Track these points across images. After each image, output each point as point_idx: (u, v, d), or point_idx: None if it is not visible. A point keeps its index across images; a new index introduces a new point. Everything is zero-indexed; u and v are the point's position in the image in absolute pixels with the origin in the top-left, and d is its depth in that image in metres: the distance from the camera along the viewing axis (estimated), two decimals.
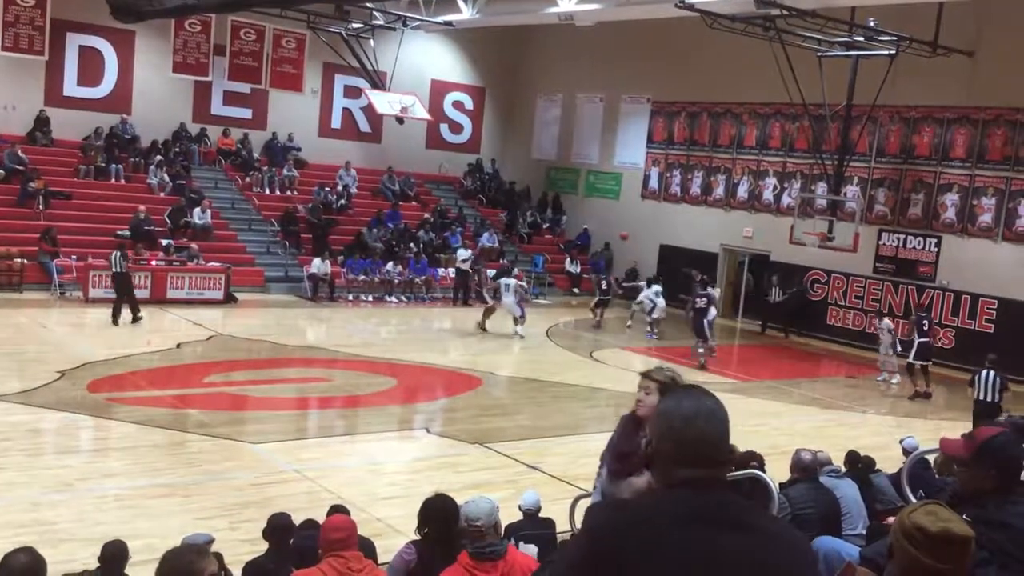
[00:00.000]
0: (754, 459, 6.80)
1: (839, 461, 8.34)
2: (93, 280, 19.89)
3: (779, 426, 14.30)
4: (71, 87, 24.68)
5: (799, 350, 22.50)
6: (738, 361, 20.99)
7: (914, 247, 22.16)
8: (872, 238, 22.56)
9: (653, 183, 28.23)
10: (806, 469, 7.17)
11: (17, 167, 22.49)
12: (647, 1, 19.63)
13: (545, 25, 25.36)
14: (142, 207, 22.61)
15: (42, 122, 24.07)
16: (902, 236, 22.39)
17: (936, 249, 21.77)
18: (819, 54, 20.83)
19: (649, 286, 22.84)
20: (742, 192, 25.93)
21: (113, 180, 23.98)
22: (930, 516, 2.74)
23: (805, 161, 24.25)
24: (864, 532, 6.88)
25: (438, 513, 5.09)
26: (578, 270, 27.33)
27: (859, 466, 8.48)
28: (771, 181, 25.31)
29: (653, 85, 27.65)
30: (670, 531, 2.18)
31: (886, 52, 20.07)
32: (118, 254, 18.33)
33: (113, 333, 17.23)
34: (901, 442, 9.54)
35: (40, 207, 21.81)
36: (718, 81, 25.30)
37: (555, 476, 10.69)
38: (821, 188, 23.57)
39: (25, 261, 20.20)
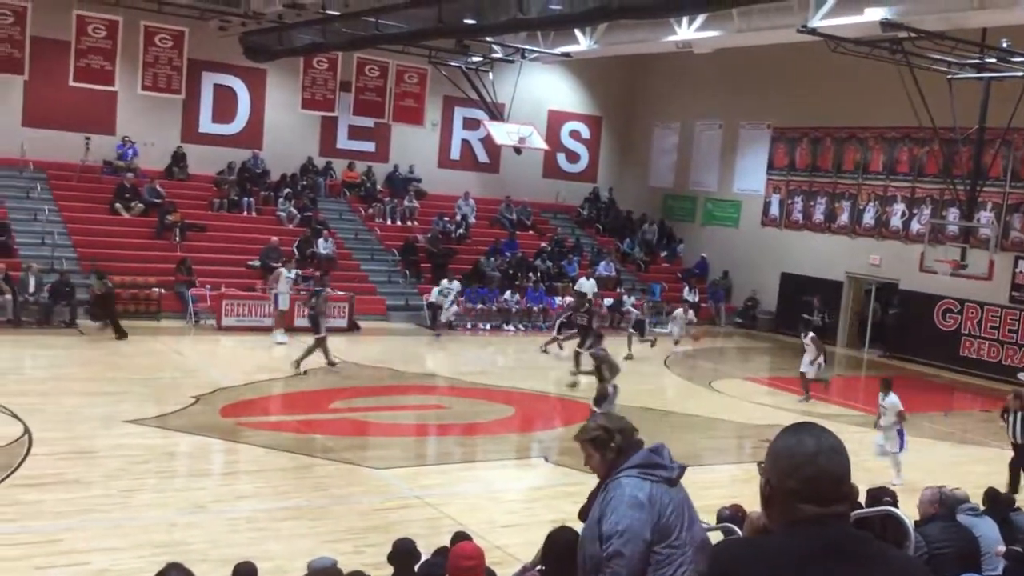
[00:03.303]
0: (887, 495, 6.58)
1: (975, 499, 7.99)
2: (226, 309, 20.75)
3: (911, 461, 13.76)
4: (206, 124, 25.92)
5: (930, 381, 21.63)
6: (866, 392, 20.30)
7: None
8: (1008, 266, 21.59)
9: (774, 210, 27.73)
10: (944, 505, 6.90)
11: (156, 201, 23.68)
12: (768, 27, 19.38)
13: (663, 54, 25.32)
14: (273, 238, 23.47)
15: (179, 158, 25.32)
16: None
17: None
18: (949, 76, 20.14)
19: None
20: (868, 218, 25.22)
21: (245, 212, 25.01)
22: None
23: (936, 186, 23.43)
24: (1002, 574, 6.57)
25: (563, 548, 5.04)
26: (696, 299, 27.01)
27: (999, 505, 8.10)
28: (899, 207, 24.54)
29: (773, 111, 27.24)
30: (798, 568, 2.17)
31: (1020, 74, 19.27)
32: (94, 276, 19.38)
33: (244, 360, 17.89)
34: None
35: (177, 239, 22.89)
36: (841, 105, 24.74)
37: None
38: (952, 214, 22.72)
39: (162, 291, 21.20)
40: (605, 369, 13.43)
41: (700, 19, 20.26)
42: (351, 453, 12.18)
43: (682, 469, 4.05)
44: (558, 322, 21.83)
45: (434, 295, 22.96)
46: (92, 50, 21.98)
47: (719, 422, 15.75)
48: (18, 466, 10.38)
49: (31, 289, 19.43)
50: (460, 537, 6.22)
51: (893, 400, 12.93)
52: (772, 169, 27.76)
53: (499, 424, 14.74)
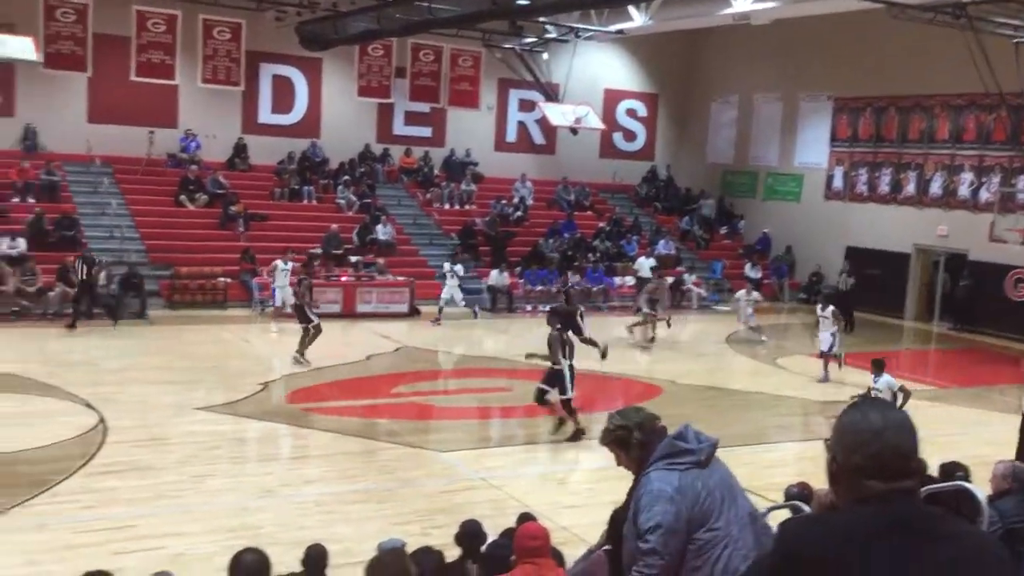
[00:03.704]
0: (959, 470, 6.44)
1: None
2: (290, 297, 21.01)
3: (983, 435, 13.47)
4: (265, 115, 26.27)
5: (1001, 353, 21.11)
6: (936, 366, 19.93)
7: None
8: None
9: (837, 183, 27.23)
10: (1017, 479, 6.73)
11: (219, 192, 24.10)
12: None
13: (719, 27, 24.96)
14: (333, 225, 23.74)
15: (240, 149, 25.71)
16: None
17: None
18: (1016, 40, 19.53)
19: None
20: (935, 188, 24.63)
21: (305, 201, 25.32)
22: None
23: (1004, 154, 22.78)
24: None
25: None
26: (759, 275, 26.68)
27: None
28: (967, 176, 23.92)
29: (834, 81, 26.70)
30: (869, 545, 2.15)
31: None
32: (80, 262, 19.07)
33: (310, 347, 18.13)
34: None
35: (240, 229, 23.27)
36: (904, 74, 24.16)
37: None
38: (1022, 182, 22.07)
39: (228, 280, 21.57)
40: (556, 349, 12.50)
41: None
42: (415, 436, 12.31)
43: (712, 446, 3.96)
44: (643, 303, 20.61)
45: (444, 278, 22.20)
46: (152, 45, 22.39)
47: (784, 399, 15.58)
48: (94, 454, 10.68)
49: (102, 282, 19.92)
50: (525, 518, 6.26)
51: (888, 381, 11.84)
52: (835, 141, 27.24)
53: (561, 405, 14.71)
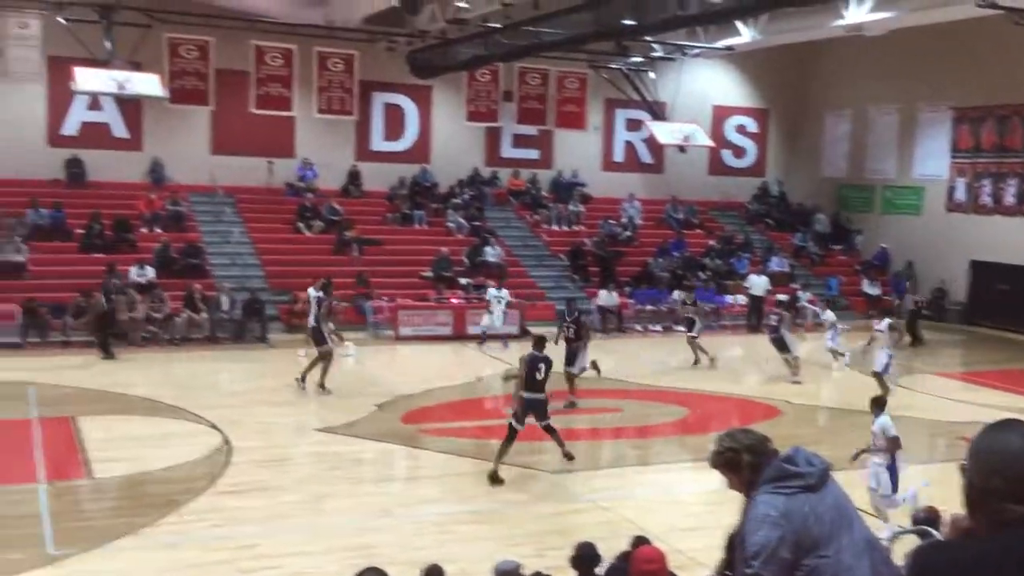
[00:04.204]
0: None
1: None
2: (403, 319, 21.45)
3: None
4: (377, 142, 26.93)
5: None
6: None
7: None
8: None
9: (960, 194, 26.24)
10: None
11: (334, 218, 24.77)
12: (943, 3, 18.39)
13: (831, 39, 24.42)
14: (444, 248, 24.11)
15: (353, 176, 26.39)
16: None
17: None
18: None
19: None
20: None
21: (416, 225, 25.79)
22: None
23: None
24: None
25: None
26: (878, 292, 25.85)
27: None
28: None
29: (954, 91, 25.78)
30: (1003, 574, 2.07)
31: None
32: (102, 297, 19.03)
33: (421, 368, 18.42)
34: None
35: (355, 253, 23.85)
36: None
37: (861, 511, 10.11)
38: None
39: (343, 304, 22.10)
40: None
41: (870, 0, 19.43)
42: (527, 457, 12.33)
43: (825, 469, 3.85)
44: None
45: (489, 299, 21.56)
46: (270, 78, 23.24)
47: (909, 420, 15.02)
48: (220, 474, 11.07)
49: (225, 307, 20.70)
50: (640, 541, 6.23)
51: (883, 423, 9.63)
52: (956, 152, 26.27)
53: (673, 426, 14.59)
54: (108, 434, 12.77)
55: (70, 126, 23.91)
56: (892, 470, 9.47)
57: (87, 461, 11.54)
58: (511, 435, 11.26)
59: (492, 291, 21.78)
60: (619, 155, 29.60)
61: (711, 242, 27.50)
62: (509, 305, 21.67)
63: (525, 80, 25.69)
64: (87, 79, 20.39)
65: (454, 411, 15.20)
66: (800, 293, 24.63)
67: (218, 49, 22.60)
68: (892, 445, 9.49)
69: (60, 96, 22.90)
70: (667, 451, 13.39)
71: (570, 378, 15.33)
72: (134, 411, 14.17)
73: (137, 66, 21.32)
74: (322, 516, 9.83)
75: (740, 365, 20.32)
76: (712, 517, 9.73)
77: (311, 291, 19.01)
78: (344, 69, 23.94)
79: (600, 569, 6.31)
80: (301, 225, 24.46)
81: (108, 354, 18.38)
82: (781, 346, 17.93)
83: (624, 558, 6.27)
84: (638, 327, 23.63)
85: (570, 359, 15.44)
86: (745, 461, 3.92)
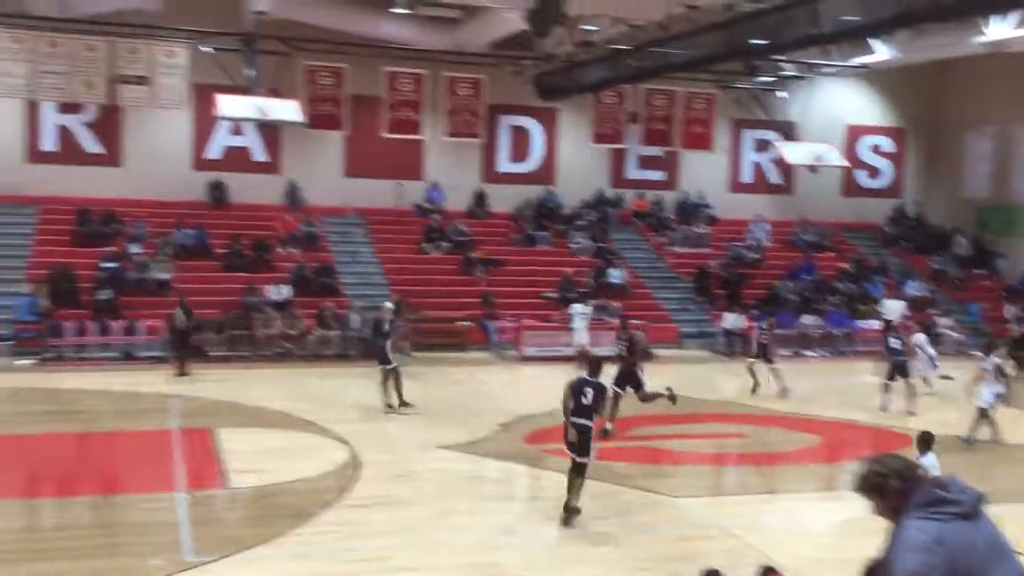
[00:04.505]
0: None
1: None
2: (527, 339, 21.59)
3: None
4: (504, 164, 27.29)
5: None
6: None
7: None
8: None
9: None
10: None
11: (460, 239, 25.17)
12: None
13: (972, 56, 23.48)
14: (568, 269, 24.18)
15: (479, 197, 26.78)
16: None
17: None
18: None
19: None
20: None
21: (541, 246, 25.95)
22: None
23: None
24: None
25: None
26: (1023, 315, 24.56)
27: None
28: None
29: None
30: None
31: None
32: (180, 310, 19.24)
33: (545, 389, 18.46)
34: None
35: (479, 274, 24.17)
36: None
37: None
38: None
39: (468, 323, 22.41)
40: None
41: (1014, 16, 18.63)
42: (650, 481, 12.23)
43: (978, 498, 3.69)
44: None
45: (575, 314, 21.66)
46: (401, 103, 23.87)
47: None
48: (349, 488, 11.36)
49: (355, 325, 21.27)
50: (768, 571, 6.09)
51: (928, 463, 9.12)
52: None
53: (803, 453, 14.20)
54: (244, 446, 13.28)
55: (213, 150, 25.11)
56: None
57: (224, 472, 12.02)
58: (575, 467, 10.45)
59: (577, 307, 21.83)
60: (747, 176, 29.14)
61: (843, 265, 26.71)
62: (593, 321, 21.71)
63: (651, 101, 25.60)
64: (230, 106, 21.40)
65: None
66: (938, 319, 23.66)
67: (352, 75, 23.35)
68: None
69: (204, 122, 24.10)
70: (796, 479, 13.04)
71: (646, 398, 14.24)
72: (268, 424, 14.69)
73: (276, 93, 22.23)
74: (448, 532, 9.95)
75: (873, 392, 19.62)
76: (844, 550, 9.42)
77: (387, 304, 18.42)
78: (472, 93, 24.37)
79: None
80: (428, 246, 24.95)
81: (183, 371, 18.43)
82: (903, 371, 17.25)
83: None
84: None
85: (626, 381, 14.36)
86: (893, 486, 3.83)
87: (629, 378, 14.39)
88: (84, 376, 18.29)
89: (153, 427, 14.55)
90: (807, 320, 23.87)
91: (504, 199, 26.84)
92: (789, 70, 24.86)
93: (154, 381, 17.86)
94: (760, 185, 29.18)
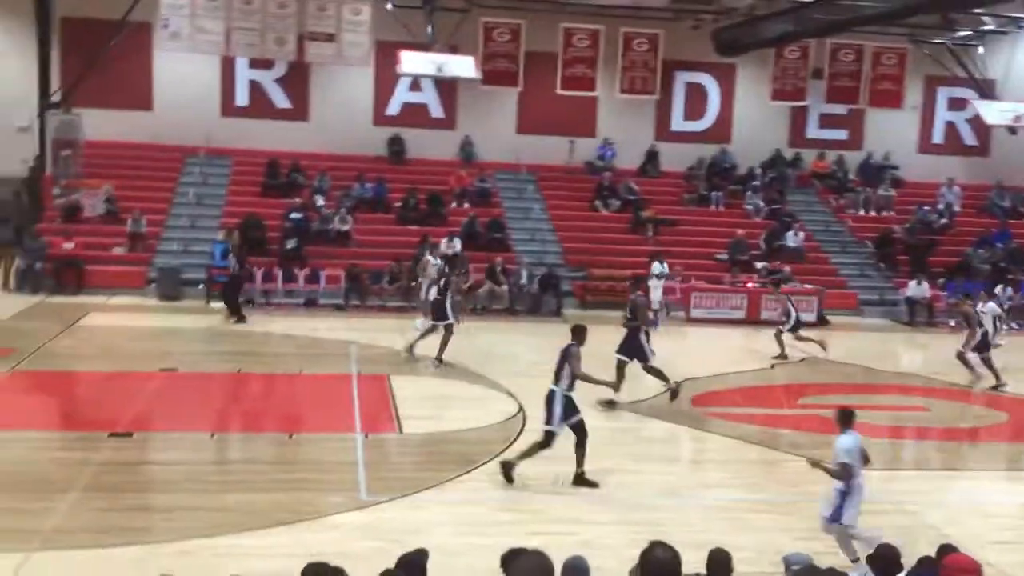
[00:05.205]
0: None
1: None
2: (695, 301, 21.32)
3: None
4: (678, 122, 26.81)
5: None
6: None
7: None
8: None
9: None
10: None
11: (630, 198, 24.98)
12: None
13: None
14: (740, 231, 23.63)
15: (652, 155, 26.44)
16: None
17: None
18: None
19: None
20: None
21: (713, 207, 25.44)
22: None
23: None
24: None
25: None
26: None
27: None
28: None
29: None
30: None
31: None
32: (234, 260, 19.32)
33: (712, 351, 18.23)
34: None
35: (649, 234, 23.94)
36: None
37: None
38: None
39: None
40: None
41: None
42: (820, 451, 11.84)
43: None
44: None
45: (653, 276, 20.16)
46: (576, 59, 23.79)
47: None
48: (515, 440, 11.60)
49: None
50: (947, 549, 5.84)
51: (844, 444, 8.04)
52: None
53: (988, 431, 13.49)
54: (416, 393, 13.77)
55: (393, 106, 25.81)
56: (842, 496, 7.96)
57: (397, 417, 12.51)
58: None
59: (656, 265, 20.66)
60: (938, 136, 27.55)
61: None
62: (668, 279, 20.61)
63: (837, 56, 24.52)
64: (410, 62, 21.93)
65: (744, 397, 14.93)
66: None
67: (528, 32, 23.41)
68: (840, 472, 7.97)
69: (385, 79, 24.78)
70: (979, 457, 12.41)
71: (651, 371, 13.56)
72: (439, 374, 15.13)
73: (454, 49, 22.59)
74: (608, 489, 10.01)
75: None
76: None
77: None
78: (648, 48, 24.00)
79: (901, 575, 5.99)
80: (598, 203, 24.89)
81: (240, 317, 18.88)
82: None
83: (927, 564, 5.92)
84: (951, 322, 21.91)
85: (631, 350, 13.56)
86: None
87: (633, 348, 13.60)
88: (272, 321, 19.35)
89: (334, 371, 15.26)
90: (1000, 291, 22.45)
91: (677, 158, 26.40)
92: (990, 24, 23.21)
93: (334, 327, 18.69)
94: (953, 146, 27.51)
